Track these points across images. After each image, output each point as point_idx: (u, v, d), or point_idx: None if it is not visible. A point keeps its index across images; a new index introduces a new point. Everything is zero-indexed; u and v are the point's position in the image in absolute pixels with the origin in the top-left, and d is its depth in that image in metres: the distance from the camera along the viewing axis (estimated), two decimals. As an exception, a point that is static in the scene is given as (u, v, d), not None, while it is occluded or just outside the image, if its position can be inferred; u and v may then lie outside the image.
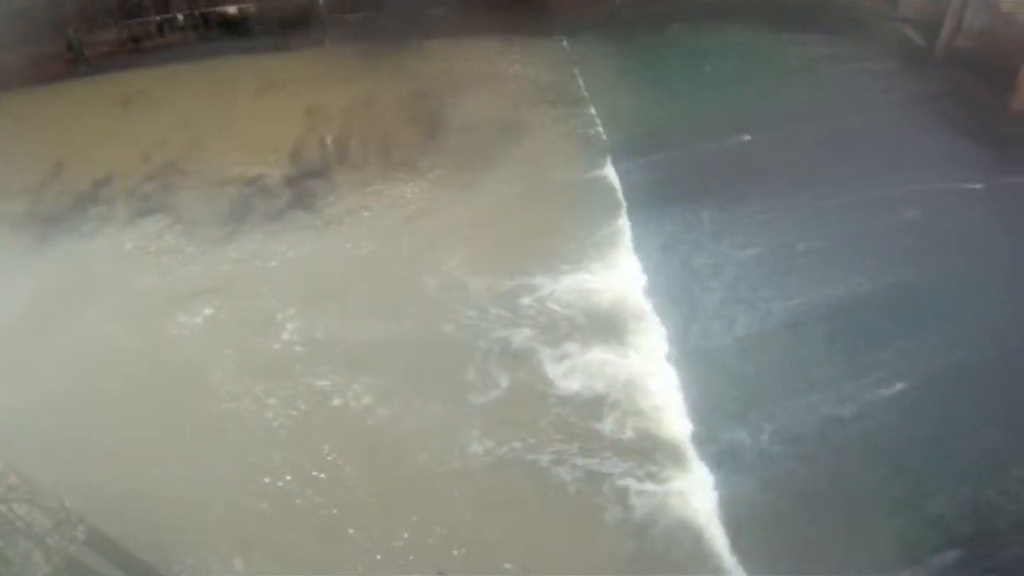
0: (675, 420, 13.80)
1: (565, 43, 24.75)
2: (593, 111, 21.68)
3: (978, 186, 17.88)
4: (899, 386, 13.91)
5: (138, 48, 22.60)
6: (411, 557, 12.06)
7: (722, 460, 13.19)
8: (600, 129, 21.02)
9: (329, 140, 20.29)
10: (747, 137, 19.68)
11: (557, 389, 14.34)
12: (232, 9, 23.31)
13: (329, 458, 13.25)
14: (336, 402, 14.17)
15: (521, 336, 15.27)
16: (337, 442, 13.50)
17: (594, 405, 14.07)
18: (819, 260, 16.39)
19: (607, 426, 13.72)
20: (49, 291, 16.08)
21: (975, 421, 13.48)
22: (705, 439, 13.47)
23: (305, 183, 19.06)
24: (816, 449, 13.23)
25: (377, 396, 14.20)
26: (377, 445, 13.53)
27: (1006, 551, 11.97)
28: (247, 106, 21.30)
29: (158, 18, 22.73)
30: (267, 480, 12.93)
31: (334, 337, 15.22)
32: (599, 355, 14.90)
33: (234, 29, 23.42)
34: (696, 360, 14.78)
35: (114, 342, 15.04)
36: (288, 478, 12.96)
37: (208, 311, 15.70)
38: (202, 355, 14.81)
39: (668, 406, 14.05)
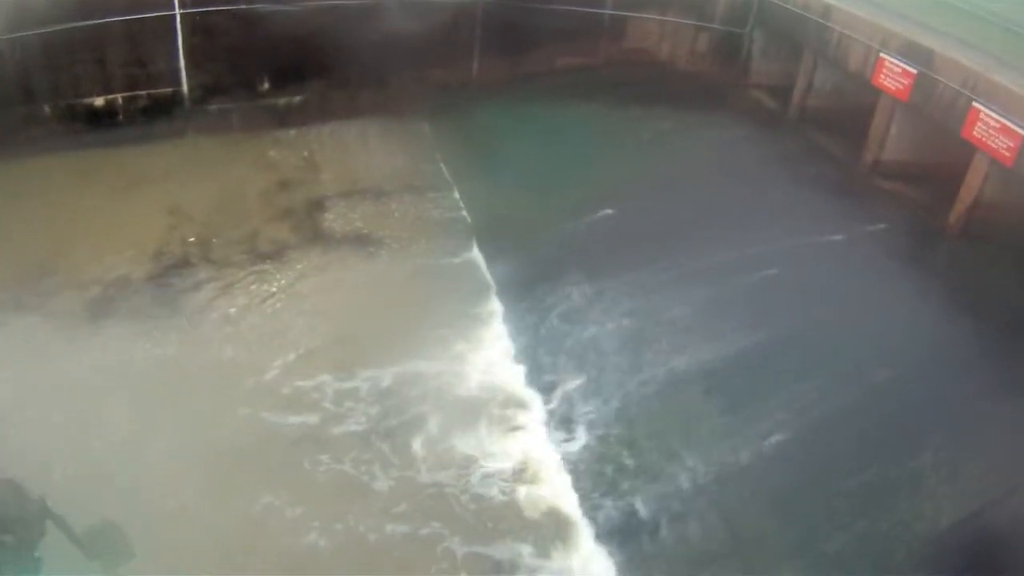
0: (561, 495, 14.24)
1: (426, 127, 25.64)
2: (457, 195, 22.42)
3: (839, 237, 18.89)
4: (777, 438, 14.44)
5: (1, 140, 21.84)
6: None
7: (614, 532, 13.57)
8: (464, 213, 21.74)
9: (194, 236, 20.36)
10: (608, 211, 20.44)
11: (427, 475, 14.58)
12: (99, 101, 23.32)
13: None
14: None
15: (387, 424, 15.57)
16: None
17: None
18: (687, 325, 17.00)
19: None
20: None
21: (856, 461, 14.06)
22: (592, 513, 13.86)
23: (172, 281, 18.97)
24: (703, 508, 13.63)
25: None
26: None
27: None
28: (112, 201, 21.17)
29: (24, 110, 22.34)
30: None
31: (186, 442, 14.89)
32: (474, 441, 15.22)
33: (100, 121, 23.34)
34: (577, 435, 15.18)
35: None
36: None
37: (54, 414, 15.18)
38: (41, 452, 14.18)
39: (554, 487, 14.43)
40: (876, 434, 14.55)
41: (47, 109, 22.72)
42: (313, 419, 15.58)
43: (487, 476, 14.60)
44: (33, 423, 14.74)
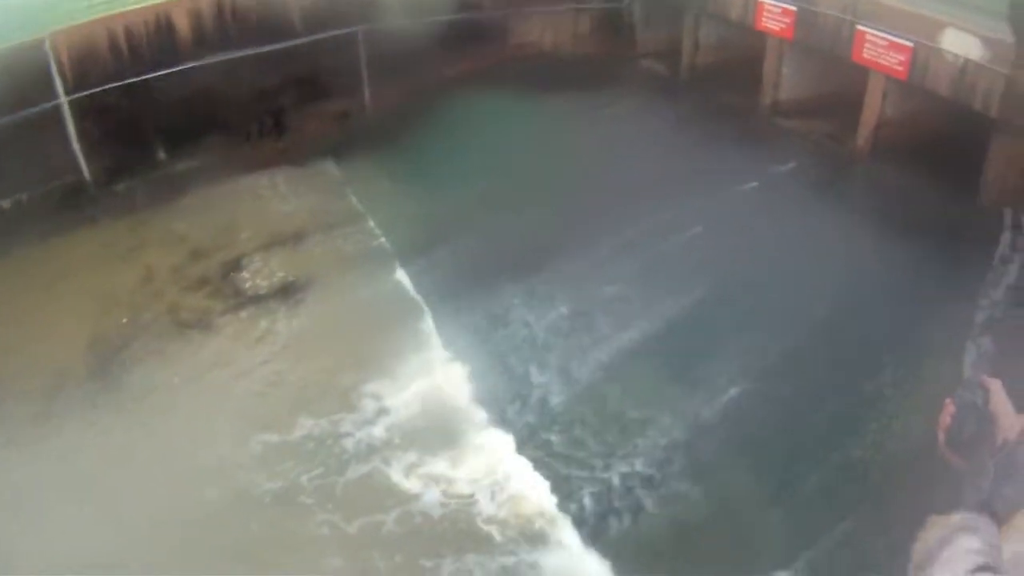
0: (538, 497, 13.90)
1: (331, 164, 25.07)
2: (372, 224, 21.97)
3: (753, 184, 18.94)
4: (733, 391, 14.40)
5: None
6: None
7: (593, 516, 13.33)
8: (383, 240, 21.32)
9: (124, 320, 19.43)
10: (521, 204, 20.07)
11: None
12: (6, 203, 22.08)
13: None
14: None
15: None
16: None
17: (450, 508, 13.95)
18: (623, 300, 16.88)
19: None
20: None
21: (816, 397, 14.11)
22: (568, 505, 13.58)
23: (111, 366, 18.04)
24: (677, 474, 13.51)
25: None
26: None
27: (895, 508, 11.83)
28: (37, 300, 19.94)
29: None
30: None
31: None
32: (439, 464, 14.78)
33: (10, 222, 21.91)
34: (536, 434, 14.87)
35: None
36: None
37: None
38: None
39: (524, 489, 14.06)
40: (830, 367, 14.59)
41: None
42: (267, 478, 14.94)
43: (455, 495, 14.15)
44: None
